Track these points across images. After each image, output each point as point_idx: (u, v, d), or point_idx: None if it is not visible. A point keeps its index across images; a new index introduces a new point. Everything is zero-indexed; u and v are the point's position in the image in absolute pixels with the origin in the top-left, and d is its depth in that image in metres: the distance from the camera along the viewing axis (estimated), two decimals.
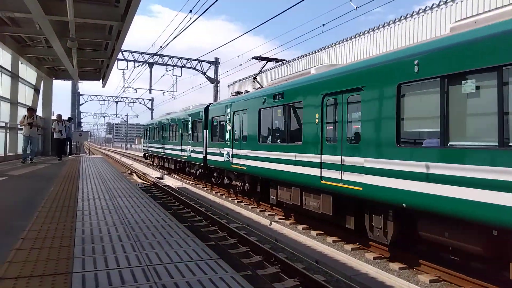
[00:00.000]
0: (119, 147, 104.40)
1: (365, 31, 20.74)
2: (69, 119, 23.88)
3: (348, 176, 7.95)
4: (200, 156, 17.92)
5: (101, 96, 60.36)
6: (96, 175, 11.40)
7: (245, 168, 12.96)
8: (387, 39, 19.01)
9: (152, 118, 63.36)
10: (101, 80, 22.27)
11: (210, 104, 18.34)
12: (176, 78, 34.71)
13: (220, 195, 16.48)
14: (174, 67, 33.45)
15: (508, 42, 5.12)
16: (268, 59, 15.37)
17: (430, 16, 16.63)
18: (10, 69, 16.68)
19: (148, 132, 33.01)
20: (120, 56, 29.91)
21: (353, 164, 7.82)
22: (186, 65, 33.88)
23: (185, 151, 20.54)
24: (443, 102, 6.01)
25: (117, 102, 61.40)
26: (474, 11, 14.51)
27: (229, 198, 15.57)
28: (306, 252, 8.27)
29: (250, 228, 10.56)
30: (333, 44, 23.37)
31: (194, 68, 34.14)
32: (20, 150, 15.99)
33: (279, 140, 11.39)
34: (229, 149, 14.41)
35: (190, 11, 13.94)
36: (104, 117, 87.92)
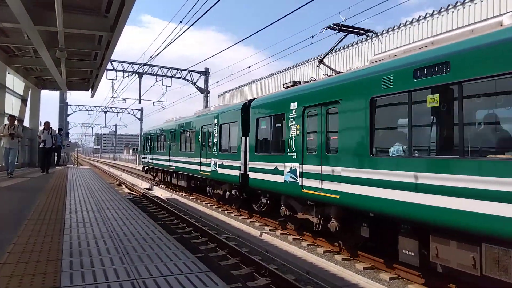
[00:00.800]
0: (108, 157, 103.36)
1: (353, 43, 21.04)
2: (60, 130, 23.65)
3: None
4: (235, 172, 13.03)
5: (90, 106, 59.91)
6: (84, 187, 11.25)
7: (338, 196, 8.15)
8: (376, 50, 19.30)
9: (141, 128, 63.06)
10: (89, 90, 22.12)
11: (252, 100, 13.02)
12: (166, 88, 34.70)
13: (210, 206, 16.38)
14: (164, 77, 33.44)
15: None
16: (349, 30, 10.50)
17: (417, 28, 16.97)
18: None
19: (149, 142, 27.85)
20: (109, 66, 29.80)
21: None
22: (176, 75, 33.89)
23: (207, 165, 15.59)
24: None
25: (105, 112, 60.98)
26: (459, 23, 14.84)
27: (219, 209, 15.48)
28: (297, 263, 8.24)
29: (240, 239, 10.49)
30: (323, 55, 23.61)
31: (184, 78, 34.16)
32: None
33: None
34: (296, 165, 9.67)
35: (181, 21, 14.02)
36: (92, 127, 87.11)
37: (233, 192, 13.92)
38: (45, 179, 13.64)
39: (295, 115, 9.88)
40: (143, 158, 30.43)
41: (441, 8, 15.84)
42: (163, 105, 39.48)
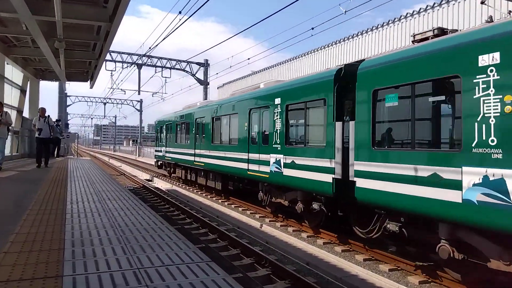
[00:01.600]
0: (107, 149, 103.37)
1: (353, 35, 20.94)
2: (57, 121, 23.55)
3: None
4: (321, 177, 8.69)
5: (89, 97, 59.75)
6: (85, 178, 11.26)
7: None
8: (377, 42, 19.21)
9: (141, 119, 62.93)
10: (89, 81, 22.04)
11: (359, 62, 8.07)
12: (165, 80, 34.59)
13: (210, 197, 16.42)
14: (163, 69, 33.31)
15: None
16: None
17: (417, 20, 16.87)
18: None
19: (164, 131, 23.24)
20: (108, 57, 29.68)
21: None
22: (176, 67, 33.77)
23: (262, 163, 11.23)
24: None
25: (105, 104, 60.82)
26: (460, 15, 14.76)
27: (219, 200, 15.52)
28: (297, 254, 8.29)
29: (240, 230, 10.54)
30: (323, 47, 23.53)
31: (184, 70, 34.03)
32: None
33: None
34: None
35: (180, 12, 13.94)
36: (91, 118, 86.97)
37: (314, 206, 9.30)
38: (39, 174, 12.08)
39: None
40: (157, 151, 25.39)
41: (441, 0, 15.73)
42: (162, 97, 39.43)
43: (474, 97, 5.43)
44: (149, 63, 32.88)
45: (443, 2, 15.62)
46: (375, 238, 7.70)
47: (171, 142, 21.61)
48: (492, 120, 5.21)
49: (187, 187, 19.59)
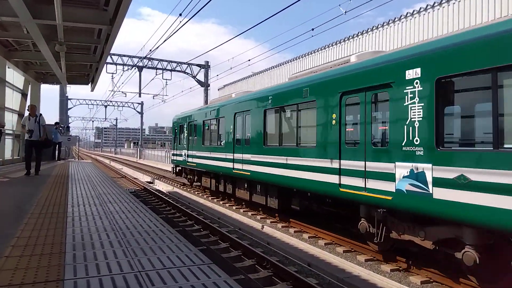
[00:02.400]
0: (109, 151, 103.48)
1: (354, 35, 20.94)
2: (56, 123, 23.57)
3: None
4: None
5: (90, 100, 59.90)
6: (86, 181, 11.28)
7: None
8: (377, 41, 19.21)
9: (142, 122, 62.95)
10: (89, 84, 22.08)
11: None
12: (166, 82, 34.63)
13: (212, 199, 16.41)
14: (164, 71, 33.35)
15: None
16: None
17: (418, 20, 16.87)
18: None
19: (187, 131, 19.08)
20: (109, 59, 29.70)
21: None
22: (176, 69, 33.79)
23: (372, 176, 7.37)
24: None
25: (106, 106, 60.96)
26: (460, 14, 14.75)
27: (221, 202, 15.51)
28: (299, 255, 8.28)
29: (242, 232, 10.53)
30: (323, 47, 23.54)
31: (184, 72, 34.06)
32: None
33: None
34: None
35: (180, 14, 13.95)
36: (92, 121, 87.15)
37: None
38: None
39: None
40: (176, 155, 21.35)
41: (442, 0, 15.72)
42: (163, 99, 39.47)
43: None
44: (150, 66, 32.91)
45: (444, 1, 15.61)
46: None
47: (196, 144, 17.55)
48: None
49: (189, 189, 19.58)
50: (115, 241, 4.40)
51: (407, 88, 6.54)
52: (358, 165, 7.69)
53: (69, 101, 50.83)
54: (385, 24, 18.71)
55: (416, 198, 6.29)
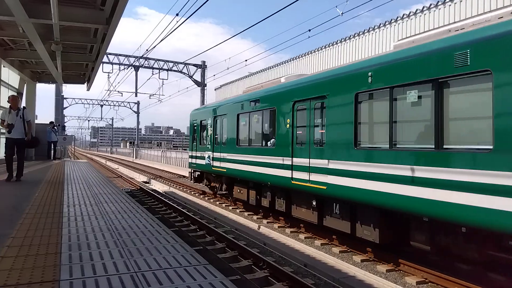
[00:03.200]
0: (104, 151, 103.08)
1: (350, 36, 20.99)
2: (51, 123, 23.45)
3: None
4: None
5: (86, 99, 59.63)
6: (81, 180, 11.24)
7: None
8: (374, 42, 19.27)
9: (138, 121, 62.69)
10: (85, 84, 22.01)
11: None
12: (163, 82, 34.53)
13: (208, 199, 16.39)
14: (161, 70, 33.27)
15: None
16: None
17: (414, 21, 16.93)
18: None
19: (212, 127, 15.39)
20: (105, 59, 29.58)
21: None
22: (173, 68, 33.74)
23: None
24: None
25: (102, 106, 60.68)
26: (456, 16, 14.82)
27: (217, 202, 15.50)
28: (295, 256, 8.29)
29: (238, 232, 10.54)
30: (320, 48, 23.58)
31: (181, 72, 34.00)
32: None
33: None
34: None
35: (177, 14, 13.91)
36: (88, 120, 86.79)
37: None
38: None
39: None
40: (194, 157, 17.52)
41: (438, 2, 15.79)
42: (160, 98, 39.39)
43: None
44: (146, 65, 32.84)
45: (440, 3, 15.68)
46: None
47: (227, 145, 13.86)
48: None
49: (184, 189, 19.53)
50: (111, 241, 4.39)
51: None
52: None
53: (65, 100, 50.57)
54: (381, 25, 18.77)
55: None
